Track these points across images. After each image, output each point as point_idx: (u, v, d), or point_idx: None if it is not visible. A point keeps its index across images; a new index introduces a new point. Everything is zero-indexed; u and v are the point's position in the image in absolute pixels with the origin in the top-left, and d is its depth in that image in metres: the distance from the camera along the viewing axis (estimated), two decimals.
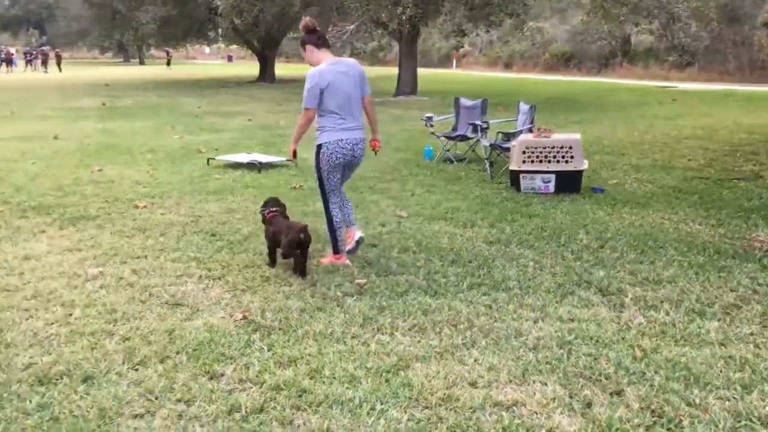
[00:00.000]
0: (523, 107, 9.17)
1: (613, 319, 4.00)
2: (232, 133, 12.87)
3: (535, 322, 3.95)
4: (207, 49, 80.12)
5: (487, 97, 10.57)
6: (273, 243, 4.94)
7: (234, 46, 47.46)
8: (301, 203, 6.97)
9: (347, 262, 5.00)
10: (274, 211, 5.14)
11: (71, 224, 6.17)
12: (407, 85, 21.70)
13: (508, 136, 8.65)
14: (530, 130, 8.28)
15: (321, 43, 4.92)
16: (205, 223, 6.19)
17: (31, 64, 46.08)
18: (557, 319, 3.99)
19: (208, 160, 9.38)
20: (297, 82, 32.16)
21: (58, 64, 44.17)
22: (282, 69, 43.61)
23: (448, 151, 9.61)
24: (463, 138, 9.57)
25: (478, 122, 9.20)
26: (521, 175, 7.49)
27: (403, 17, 18.68)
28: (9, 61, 44.05)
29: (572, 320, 3.97)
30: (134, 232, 5.92)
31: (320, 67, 4.83)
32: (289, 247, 4.72)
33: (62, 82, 30.83)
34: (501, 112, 13.76)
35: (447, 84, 28.39)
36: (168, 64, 47.37)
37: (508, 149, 8.31)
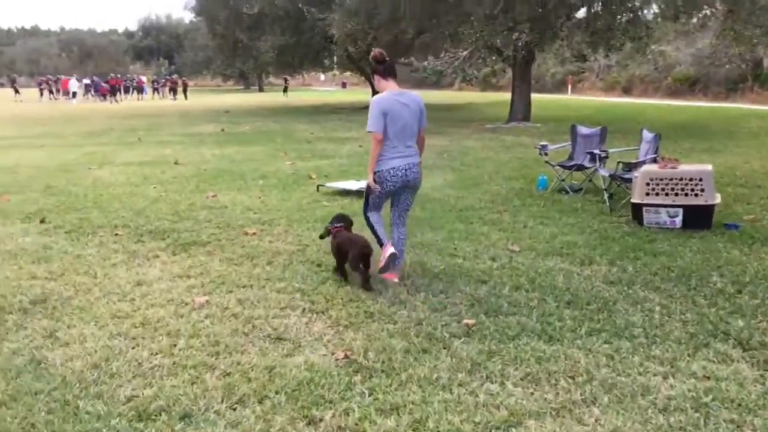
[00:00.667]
0: (647, 135, 8.61)
1: (757, 378, 3.52)
2: (342, 160, 12.95)
3: (665, 378, 3.54)
4: (322, 76, 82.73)
5: (605, 124, 10.06)
6: (340, 256, 5.29)
7: (348, 73, 48.58)
8: (409, 236, 6.78)
9: (391, 249, 5.15)
10: (338, 226, 5.52)
11: (183, 250, 6.28)
12: (520, 111, 21.24)
13: (630, 167, 8.12)
14: (654, 160, 7.74)
15: (387, 73, 5.16)
16: (312, 252, 6.12)
17: (158, 92, 49.04)
18: (690, 375, 3.56)
19: (318, 186, 9.42)
20: None
21: (184, 91, 46.73)
22: None
23: (564, 180, 9.17)
24: (580, 167, 9.10)
25: (596, 151, 8.73)
26: (644, 209, 6.97)
27: (519, 43, 18.25)
28: (140, 89, 47.09)
29: (708, 378, 3.52)
30: (242, 259, 5.93)
31: (383, 95, 5.10)
32: (353, 260, 5.10)
33: (187, 109, 32.50)
34: (620, 140, 13.08)
35: (562, 110, 27.62)
36: (285, 91, 49.01)
37: (629, 180, 7.80)
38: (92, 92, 45.73)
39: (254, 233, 6.91)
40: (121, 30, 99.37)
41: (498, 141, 15.99)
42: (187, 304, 4.78)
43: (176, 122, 23.67)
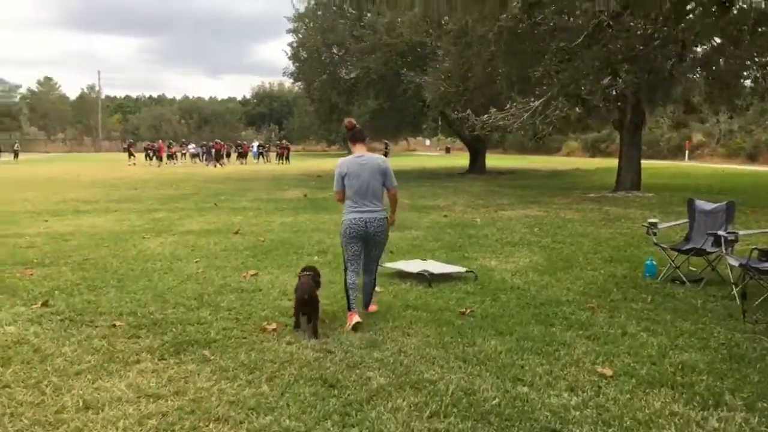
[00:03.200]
0: None
1: None
2: (419, 232, 11.51)
3: None
4: (427, 142, 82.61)
5: (730, 197, 8.14)
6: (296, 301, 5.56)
7: (450, 138, 47.61)
8: (465, 338, 5.21)
9: (356, 318, 5.57)
10: (306, 273, 5.78)
11: (177, 352, 4.99)
12: (629, 179, 19.09)
13: None
14: None
15: (354, 139, 5.88)
16: (333, 364, 4.67)
17: (263, 156, 49.86)
18: None
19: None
20: (509, 174, 30.75)
21: (287, 156, 47.14)
22: (496, 160, 42.69)
23: (678, 268, 7.31)
24: (700, 252, 7.22)
25: (722, 232, 6.87)
26: None
27: (614, 92, 15.71)
28: (244, 154, 47.99)
29: None
30: (239, 371, 4.55)
31: (346, 158, 5.81)
32: (295, 306, 5.59)
33: (282, 173, 32.26)
34: (750, 219, 10.97)
35: (677, 178, 25.16)
36: (386, 155, 48.59)
37: None
38: (200, 157, 47.01)
39: (274, 329, 5.55)
40: (239, 98, 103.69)
41: (601, 213, 14.07)
42: None
43: (264, 187, 23.13)
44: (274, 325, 5.65)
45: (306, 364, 4.69)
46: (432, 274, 7.37)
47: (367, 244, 5.78)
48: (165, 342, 5.24)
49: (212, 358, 4.87)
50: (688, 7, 16.00)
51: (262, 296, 6.79)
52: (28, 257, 8.99)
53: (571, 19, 15.78)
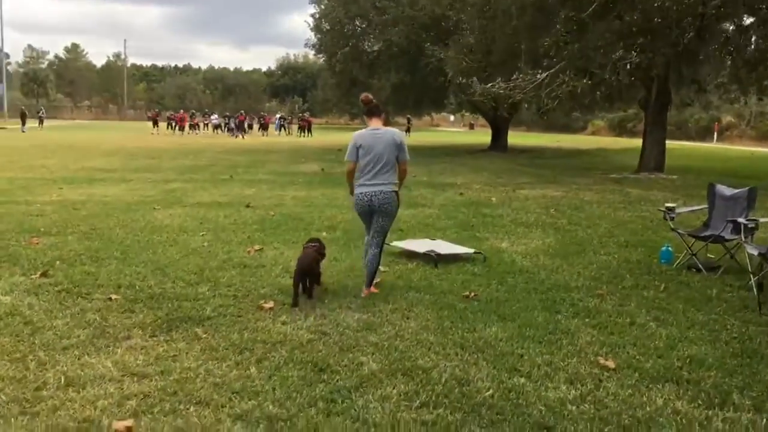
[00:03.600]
0: None
1: None
2: (432, 210, 11.31)
3: None
4: (451, 117, 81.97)
5: (756, 181, 7.81)
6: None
7: (473, 115, 46.97)
8: (466, 323, 5.04)
9: (374, 290, 5.91)
10: (312, 244, 6.05)
11: (169, 329, 4.88)
12: (652, 160, 18.64)
13: None
14: None
15: (370, 113, 5.94)
16: (326, 347, 4.53)
17: (285, 129, 49.62)
18: None
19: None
20: (531, 152, 30.28)
21: (309, 129, 46.67)
22: (519, 138, 42.11)
23: (695, 255, 7.05)
24: (718, 239, 6.94)
25: (741, 219, 6.59)
26: None
27: (627, 65, 14.30)
28: (265, 126, 47.80)
29: None
30: (228, 351, 4.43)
31: (362, 130, 5.95)
32: (294, 276, 5.73)
33: (303, 146, 32.07)
34: None
35: (703, 160, 24.61)
36: (407, 131, 48.07)
37: None
38: (221, 128, 46.97)
39: (271, 308, 5.42)
40: (264, 69, 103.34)
41: (621, 194, 13.74)
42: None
43: (282, 159, 23.00)
44: (271, 304, 5.52)
45: (298, 346, 4.55)
46: (439, 255, 7.18)
47: (375, 216, 5.88)
48: (158, 318, 5.14)
49: (204, 336, 4.76)
50: None
51: (264, 272, 6.66)
52: (35, 225, 8.95)
53: None
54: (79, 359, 4.28)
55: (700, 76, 17.40)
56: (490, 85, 15.88)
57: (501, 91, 15.80)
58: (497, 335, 4.81)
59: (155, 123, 47.48)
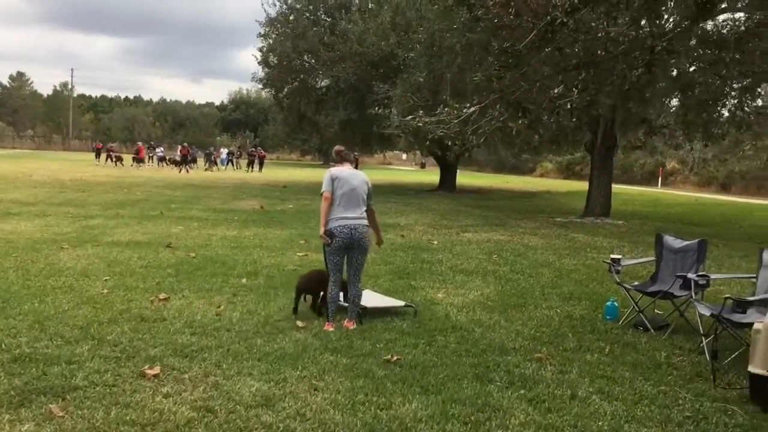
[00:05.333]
0: None
1: None
2: (369, 253, 10.56)
3: None
4: (404, 155, 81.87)
5: (702, 226, 7.38)
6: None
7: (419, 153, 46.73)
8: (383, 396, 4.29)
9: (330, 329, 5.88)
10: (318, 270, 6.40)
11: (17, 405, 4.02)
12: (598, 204, 18.34)
13: (745, 306, 5.41)
14: None
15: (342, 160, 6.24)
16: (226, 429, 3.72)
17: (232, 164, 48.47)
18: None
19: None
20: (479, 193, 29.92)
21: (261, 163, 45.47)
22: (469, 177, 41.94)
23: (642, 312, 6.48)
24: (667, 295, 6.39)
25: (691, 275, 6.06)
26: None
27: (568, 104, 13.59)
28: (213, 160, 46.54)
29: None
30: None
31: (337, 167, 6.16)
32: (297, 287, 6.47)
33: (246, 182, 31.06)
34: (724, 254, 10.20)
35: (649, 206, 24.56)
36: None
37: (743, 326, 5.12)
38: (166, 161, 45.59)
39: (155, 375, 4.59)
40: (218, 103, 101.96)
41: (566, 240, 13.26)
42: None
43: (222, 195, 22.03)
44: (157, 369, 4.69)
45: (172, 430, 3.73)
46: (365, 308, 6.44)
47: (351, 252, 6.02)
48: (12, 388, 4.27)
49: (60, 415, 3.89)
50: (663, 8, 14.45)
51: (161, 328, 5.81)
52: None
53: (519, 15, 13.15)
54: None
55: (648, 115, 17.06)
56: (410, 117, 15.21)
57: (420, 125, 15.13)
58: (416, 414, 4.08)
59: (98, 154, 45.92)
